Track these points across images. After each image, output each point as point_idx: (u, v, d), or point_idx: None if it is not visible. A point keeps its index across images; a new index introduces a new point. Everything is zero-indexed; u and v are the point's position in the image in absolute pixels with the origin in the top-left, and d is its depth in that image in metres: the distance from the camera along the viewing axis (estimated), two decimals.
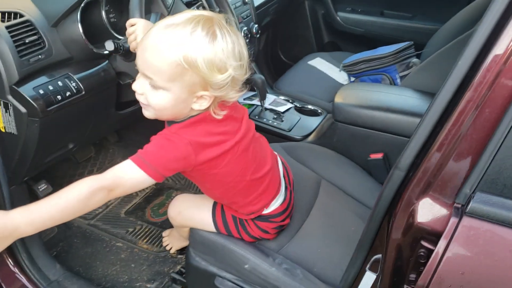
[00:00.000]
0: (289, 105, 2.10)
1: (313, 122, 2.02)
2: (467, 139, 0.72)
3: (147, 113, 1.08)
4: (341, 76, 2.32)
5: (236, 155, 1.15)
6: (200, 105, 1.05)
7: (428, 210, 0.77)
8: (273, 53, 2.98)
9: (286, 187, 1.37)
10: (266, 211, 1.30)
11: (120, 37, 1.49)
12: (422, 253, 0.77)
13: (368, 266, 0.96)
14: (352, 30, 2.73)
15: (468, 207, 0.71)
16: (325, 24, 2.88)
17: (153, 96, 1.03)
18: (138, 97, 1.06)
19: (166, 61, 0.97)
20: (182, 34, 0.97)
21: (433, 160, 0.75)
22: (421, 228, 0.77)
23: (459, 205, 0.73)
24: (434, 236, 0.75)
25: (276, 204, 1.31)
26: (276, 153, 1.42)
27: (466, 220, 0.71)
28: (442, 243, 0.72)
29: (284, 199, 1.34)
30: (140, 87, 1.04)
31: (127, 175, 1.02)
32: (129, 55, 1.41)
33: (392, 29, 2.58)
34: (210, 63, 0.97)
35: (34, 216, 0.94)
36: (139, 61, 1.02)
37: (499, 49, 0.69)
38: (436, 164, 0.75)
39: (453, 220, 0.72)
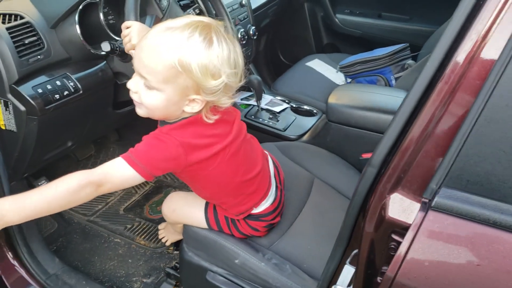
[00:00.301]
0: (285, 105, 2.13)
1: (308, 122, 2.05)
2: (434, 137, 0.76)
3: (140, 111, 1.11)
4: (338, 77, 2.35)
5: (226, 157, 1.17)
6: (192, 108, 1.07)
7: (398, 205, 0.80)
8: (273, 54, 3.02)
9: (276, 187, 1.39)
10: (256, 211, 1.33)
11: (117, 38, 1.53)
12: (393, 246, 0.80)
13: (348, 260, 0.99)
14: (351, 32, 2.76)
15: (434, 201, 0.74)
16: (324, 26, 2.90)
17: (146, 96, 1.05)
18: (132, 95, 1.09)
19: (161, 63, 1.00)
20: (179, 38, 0.99)
21: (402, 157, 0.79)
22: (391, 222, 0.80)
23: (426, 200, 0.76)
24: (403, 229, 0.78)
25: (266, 204, 1.34)
26: (267, 152, 1.45)
27: (431, 214, 0.74)
28: (408, 236, 0.75)
29: (275, 199, 1.37)
30: (134, 86, 1.07)
31: (117, 172, 1.04)
32: (126, 56, 1.46)
33: (389, 31, 2.60)
34: (204, 68, 0.99)
35: (22, 205, 0.97)
36: (136, 61, 1.05)
37: (463, 51, 0.72)
38: (406, 161, 0.79)
39: (420, 214, 0.75)
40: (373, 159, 0.84)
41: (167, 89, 1.03)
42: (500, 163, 0.70)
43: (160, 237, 1.88)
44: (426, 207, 0.75)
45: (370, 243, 0.85)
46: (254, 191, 1.29)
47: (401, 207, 0.80)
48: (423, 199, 0.77)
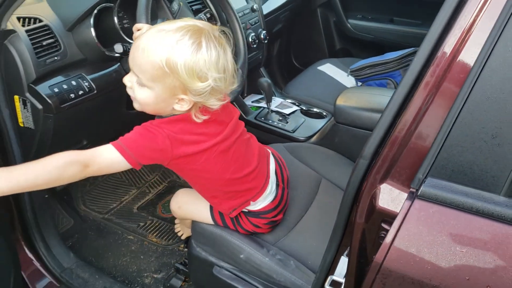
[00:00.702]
0: (295, 108, 2.17)
1: (317, 124, 2.08)
2: (420, 129, 0.79)
3: (135, 105, 1.18)
4: (349, 81, 2.38)
5: (213, 155, 1.21)
6: (181, 107, 1.12)
7: (387, 195, 0.83)
8: (286, 59, 3.06)
9: (278, 185, 1.42)
10: (255, 208, 1.36)
11: (130, 41, 1.60)
12: (382, 235, 0.84)
13: (346, 253, 1.03)
14: (363, 36, 2.79)
15: (420, 191, 0.77)
16: (336, 31, 2.94)
17: (138, 91, 1.12)
18: (127, 90, 1.16)
19: (150, 63, 1.05)
20: (169, 40, 1.04)
21: (391, 149, 0.82)
22: (381, 211, 0.84)
23: (414, 190, 0.79)
24: (392, 218, 0.81)
25: (265, 201, 1.37)
26: (270, 151, 1.48)
27: (417, 203, 0.77)
28: (396, 224, 0.78)
29: (275, 197, 1.40)
30: (128, 81, 1.14)
31: (105, 155, 1.09)
32: None
33: (401, 36, 2.62)
34: (190, 71, 1.04)
35: (10, 174, 1.00)
36: (130, 58, 1.11)
37: (447, 46, 0.76)
38: (394, 152, 0.82)
39: (407, 203, 0.78)
40: (365, 151, 0.87)
41: (156, 87, 1.08)
42: (482, 153, 0.73)
43: (176, 230, 1.94)
44: (413, 196, 0.79)
45: (362, 232, 0.88)
46: (247, 188, 1.32)
47: (390, 197, 0.83)
48: (410, 189, 0.80)
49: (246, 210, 1.37)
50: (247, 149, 1.32)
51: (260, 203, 1.36)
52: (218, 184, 1.29)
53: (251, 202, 1.35)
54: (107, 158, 1.09)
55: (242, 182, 1.31)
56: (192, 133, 1.16)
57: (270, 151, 1.47)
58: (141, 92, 1.11)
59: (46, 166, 1.03)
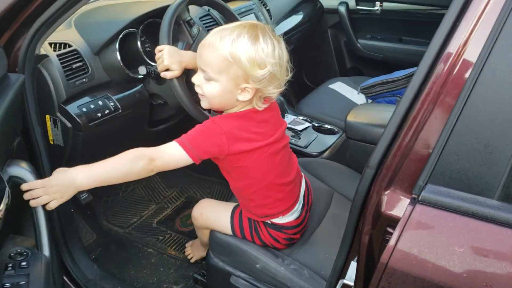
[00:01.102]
0: (307, 124, 2.26)
1: (329, 139, 2.16)
2: (420, 140, 0.87)
3: (203, 103, 1.31)
4: (359, 99, 2.46)
5: (263, 155, 1.31)
6: (244, 97, 1.24)
7: (392, 201, 0.91)
8: (299, 78, 3.16)
9: (303, 206, 1.50)
10: (279, 221, 1.44)
11: (153, 63, 1.71)
12: (388, 238, 0.91)
13: (356, 258, 1.09)
14: (373, 56, 2.88)
15: (420, 196, 0.85)
16: (347, 50, 3.04)
17: (206, 86, 1.25)
18: (196, 88, 1.29)
19: (216, 56, 1.19)
20: (231, 35, 1.19)
21: (394, 159, 0.90)
22: (386, 216, 0.91)
23: (415, 196, 0.86)
24: (396, 222, 0.88)
25: (291, 217, 1.45)
26: (303, 175, 1.56)
27: (418, 207, 0.85)
28: (399, 227, 0.86)
29: (299, 216, 1.48)
30: (197, 80, 1.27)
31: (169, 150, 1.23)
32: (160, 79, 1.63)
33: (410, 55, 2.70)
34: (251, 59, 1.17)
35: (89, 169, 1.17)
36: (197, 58, 1.26)
37: (443, 65, 0.84)
38: (397, 162, 0.90)
39: (409, 208, 0.86)
40: (371, 161, 0.95)
41: (221, 79, 1.21)
42: (476, 161, 0.81)
43: (186, 253, 2.00)
44: (414, 202, 0.86)
45: (369, 237, 0.95)
46: (283, 198, 1.41)
47: (394, 202, 0.90)
48: (412, 195, 0.87)
49: (269, 222, 1.45)
50: (289, 161, 1.43)
51: (286, 218, 1.44)
52: (260, 185, 1.37)
53: (280, 216, 1.43)
54: (171, 153, 1.22)
55: (280, 189, 1.40)
56: (247, 131, 1.28)
57: (303, 175, 1.56)
58: (209, 86, 1.24)
59: (119, 160, 1.20)
